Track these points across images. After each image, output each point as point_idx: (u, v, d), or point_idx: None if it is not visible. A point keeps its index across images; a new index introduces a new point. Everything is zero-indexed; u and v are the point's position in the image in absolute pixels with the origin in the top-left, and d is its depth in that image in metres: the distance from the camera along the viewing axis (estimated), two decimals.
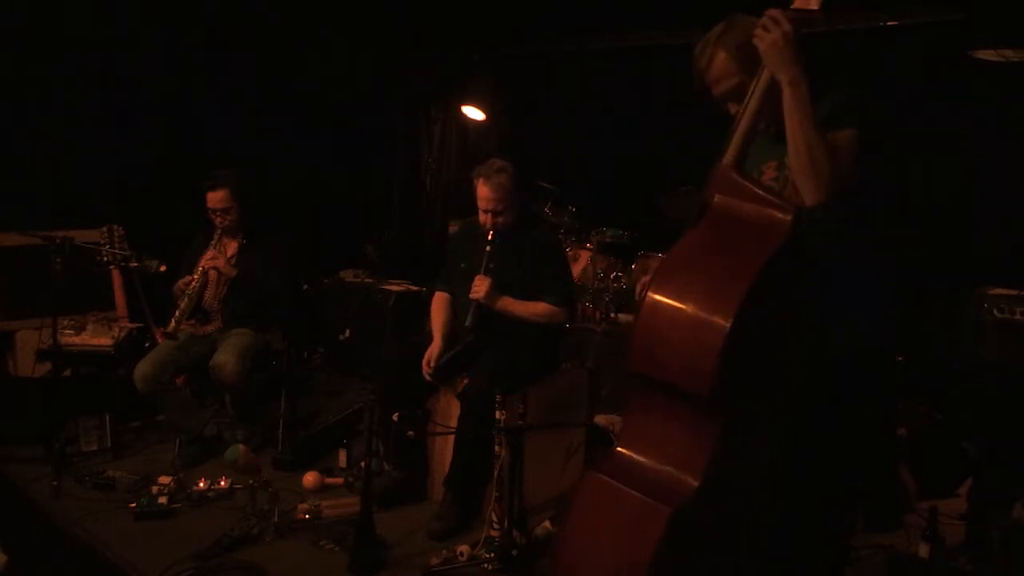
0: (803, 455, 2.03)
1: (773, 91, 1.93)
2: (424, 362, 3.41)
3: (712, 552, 1.95)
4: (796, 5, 1.90)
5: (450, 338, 3.51)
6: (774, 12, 1.89)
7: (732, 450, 1.86)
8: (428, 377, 3.41)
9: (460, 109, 6.10)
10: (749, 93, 1.97)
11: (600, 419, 3.66)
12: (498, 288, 3.41)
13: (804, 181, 1.89)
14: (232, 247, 4.08)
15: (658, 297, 1.84)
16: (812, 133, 1.87)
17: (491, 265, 3.41)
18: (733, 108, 2.10)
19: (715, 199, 1.93)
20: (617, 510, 1.86)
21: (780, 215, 1.84)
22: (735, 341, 1.72)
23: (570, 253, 5.11)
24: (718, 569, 1.99)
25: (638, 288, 2.33)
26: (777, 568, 2.14)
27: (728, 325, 1.72)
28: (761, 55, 1.90)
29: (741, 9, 2.08)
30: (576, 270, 5.01)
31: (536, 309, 3.46)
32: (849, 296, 2.03)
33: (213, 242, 3.98)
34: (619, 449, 1.96)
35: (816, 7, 1.87)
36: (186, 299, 3.82)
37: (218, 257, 3.92)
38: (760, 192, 1.91)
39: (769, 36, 1.87)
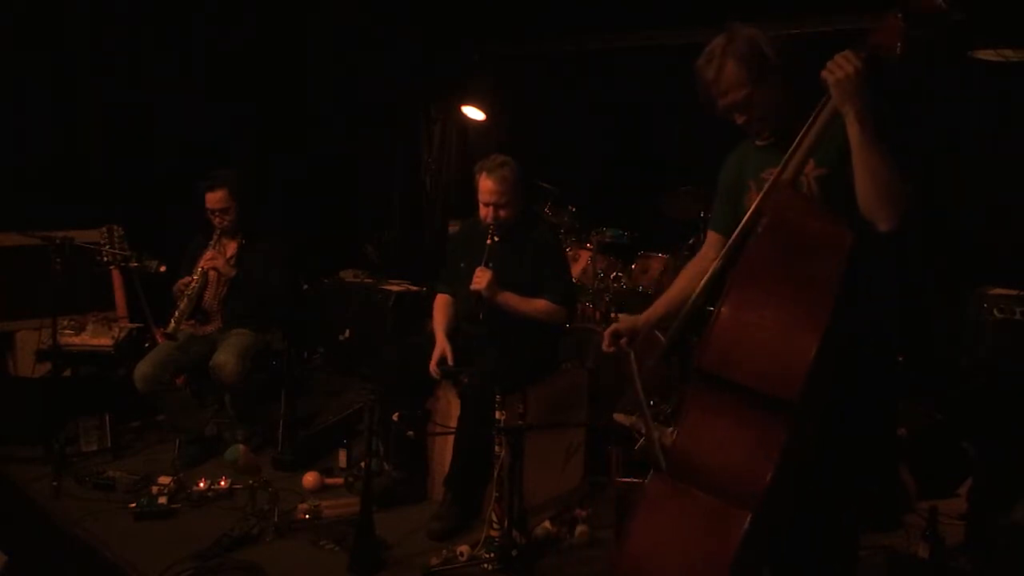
0: (824, 457, 2.06)
1: (785, 103, 1.97)
2: (433, 362, 3.39)
3: (764, 548, 1.99)
4: (876, 38, 1.88)
5: (453, 337, 3.51)
6: (848, 52, 1.89)
7: (793, 449, 1.90)
8: (437, 375, 3.41)
9: (460, 109, 6.10)
10: (813, 116, 1.97)
11: (621, 418, 3.65)
12: (498, 284, 3.40)
13: (880, 209, 1.91)
14: (231, 247, 4.08)
15: (739, 302, 1.89)
16: (885, 165, 1.88)
17: (491, 264, 3.41)
18: (740, 119, 2.11)
19: (775, 212, 1.97)
20: (692, 514, 1.89)
21: (845, 232, 1.90)
22: (820, 352, 1.79)
23: (570, 253, 5.11)
24: (758, 569, 2.05)
25: (606, 338, 2.38)
26: (797, 569, 2.17)
27: (820, 335, 1.79)
28: (830, 87, 1.90)
29: (741, 8, 2.08)
30: (576, 270, 5.00)
31: (536, 306, 3.45)
32: (855, 298, 2.04)
33: (212, 242, 3.98)
34: (682, 451, 1.97)
35: (899, 51, 1.86)
36: (185, 300, 3.82)
37: (217, 257, 3.92)
38: (821, 210, 2.00)
39: (840, 71, 1.88)
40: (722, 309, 1.89)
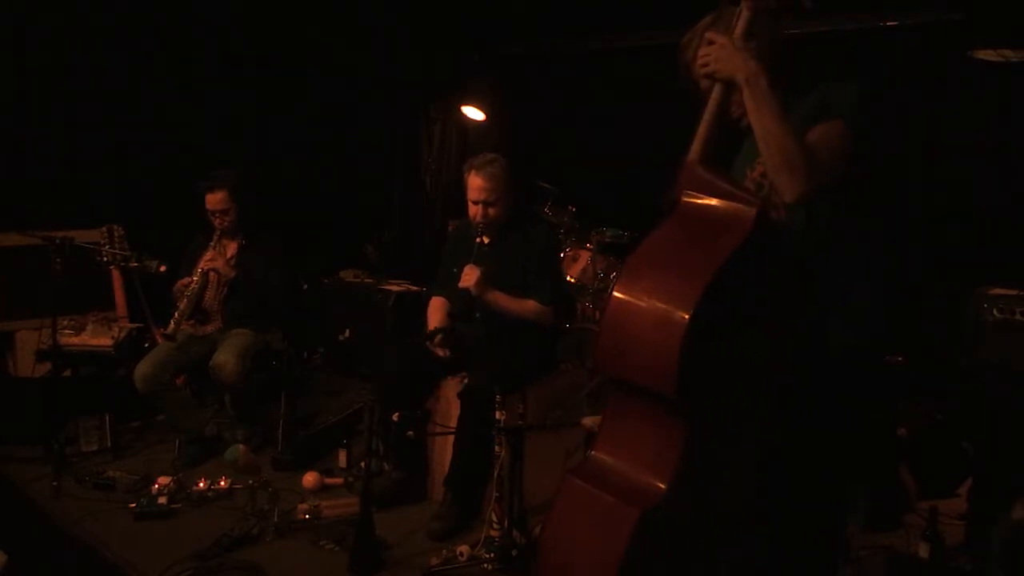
0: (794, 460, 1.99)
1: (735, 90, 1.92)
2: (435, 339, 3.41)
3: (699, 556, 1.94)
4: None
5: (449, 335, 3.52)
6: (708, 35, 1.92)
7: (710, 452, 1.85)
8: (439, 349, 3.41)
9: (460, 109, 6.10)
10: (709, 93, 1.95)
11: (587, 421, 3.65)
12: (487, 282, 3.40)
13: (779, 176, 1.84)
14: (232, 248, 4.08)
15: (623, 297, 1.82)
16: (778, 126, 1.82)
17: (479, 264, 3.41)
18: None
19: (682, 196, 1.92)
20: (591, 513, 1.87)
21: (745, 208, 1.81)
22: (696, 338, 1.69)
23: (570, 253, 5.11)
24: (712, 573, 1.99)
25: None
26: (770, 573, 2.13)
27: (686, 320, 1.69)
28: (714, 74, 1.90)
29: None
30: (576, 270, 5.00)
31: (525, 306, 3.46)
32: (837, 298, 2.00)
33: (212, 243, 3.98)
34: (594, 452, 1.96)
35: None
36: (185, 301, 3.82)
37: (217, 258, 3.92)
38: (727, 187, 1.88)
39: (712, 52, 1.88)
40: (607, 305, 1.84)
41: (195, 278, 3.87)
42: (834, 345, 1.98)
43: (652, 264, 1.86)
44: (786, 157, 1.81)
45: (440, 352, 3.41)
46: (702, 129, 1.96)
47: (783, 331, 1.91)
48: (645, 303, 1.79)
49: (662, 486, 1.80)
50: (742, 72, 1.85)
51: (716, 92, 1.94)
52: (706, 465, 1.84)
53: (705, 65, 1.91)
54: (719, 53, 1.88)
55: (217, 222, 3.99)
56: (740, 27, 1.91)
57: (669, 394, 1.74)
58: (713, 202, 1.86)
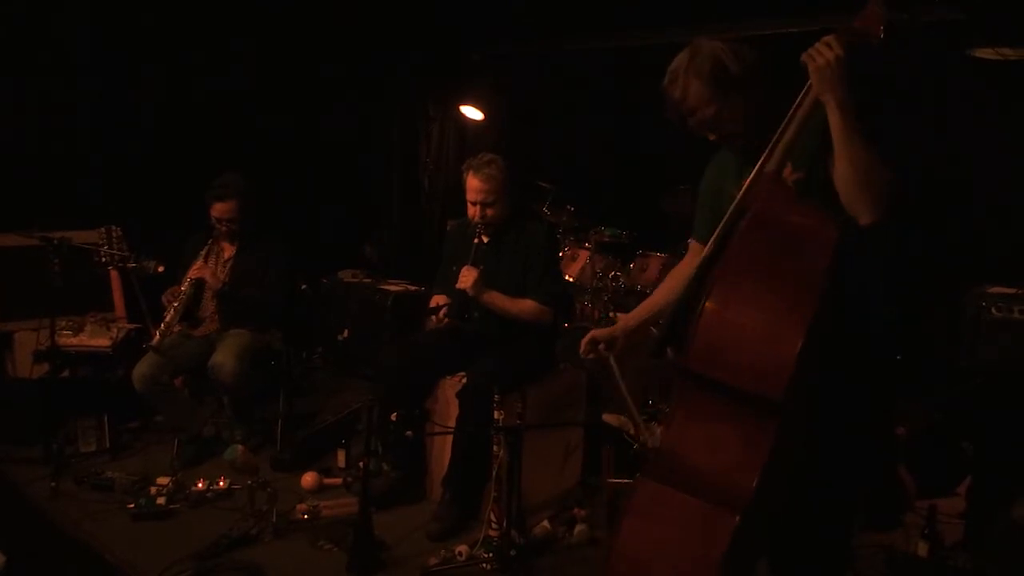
0: (819, 457, 2.04)
1: (757, 112, 1.95)
2: (437, 314, 3.44)
3: (753, 551, 1.97)
4: (858, 24, 1.88)
5: (449, 334, 3.51)
6: (830, 37, 1.88)
7: (781, 451, 1.88)
8: (441, 318, 3.46)
9: (458, 108, 6.10)
10: (795, 105, 1.94)
11: (610, 418, 3.63)
12: (485, 283, 3.41)
13: (862, 201, 1.88)
14: (230, 249, 4.07)
15: (724, 299, 1.85)
16: (865, 154, 1.86)
17: (478, 263, 3.41)
18: (712, 136, 2.09)
19: (762, 206, 1.93)
20: (679, 518, 1.86)
21: (830, 225, 1.87)
22: (806, 349, 1.76)
23: (569, 252, 5.12)
24: (750, 568, 2.02)
25: (583, 345, 2.37)
26: (790, 567, 2.16)
27: (803, 333, 1.76)
28: (810, 75, 1.89)
29: (738, 9, 2.07)
30: (574, 269, 5.01)
31: (523, 306, 3.46)
32: (860, 300, 2.04)
33: (203, 250, 3.98)
34: (668, 453, 1.95)
35: (879, 33, 1.86)
36: (172, 311, 3.80)
37: (204, 268, 3.91)
38: (804, 203, 1.95)
39: (821, 58, 1.86)
40: (706, 305, 1.85)
41: (183, 287, 3.87)
42: (855, 344, 2.03)
43: (750, 270, 1.88)
44: (870, 182, 1.87)
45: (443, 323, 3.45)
46: (784, 142, 1.96)
47: (820, 330, 1.95)
48: (752, 310, 1.83)
49: (752, 486, 1.82)
50: (837, 95, 1.86)
51: (803, 110, 1.93)
52: (775, 463, 1.87)
53: (812, 60, 1.88)
54: (829, 63, 1.86)
55: (224, 229, 3.99)
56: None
57: (777, 399, 1.77)
58: (795, 218, 1.91)
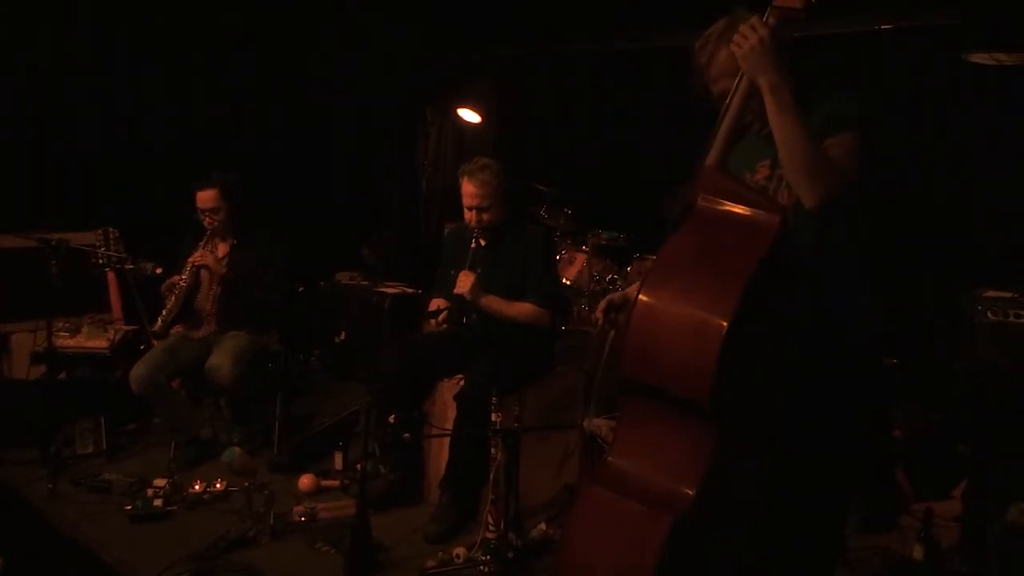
0: (796, 461, 2.00)
1: (757, 94, 1.91)
2: (437, 317, 3.45)
3: (708, 560, 1.94)
4: (778, 2, 1.88)
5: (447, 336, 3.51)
6: (753, 20, 1.88)
7: (728, 456, 1.84)
8: (440, 322, 3.48)
9: (456, 111, 6.10)
10: (729, 96, 1.95)
11: (587, 424, 3.63)
12: (483, 286, 3.41)
13: (800, 184, 1.86)
14: (223, 249, 4.07)
15: (651, 301, 1.80)
16: (802, 136, 1.84)
17: (475, 267, 3.42)
18: None
19: (700, 200, 1.91)
20: (618, 522, 1.84)
21: (768, 216, 1.81)
22: (731, 345, 1.69)
23: (566, 255, 5.12)
24: (722, 573, 1.99)
25: (599, 315, 2.31)
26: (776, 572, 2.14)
27: (725, 328, 1.69)
28: (739, 60, 1.89)
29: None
30: (572, 272, 5.01)
31: (520, 309, 3.46)
32: (842, 302, 2.02)
33: (202, 243, 3.97)
34: (612, 459, 1.93)
35: (799, 5, 1.85)
36: (173, 298, 3.81)
37: (206, 255, 3.91)
38: (747, 193, 1.89)
39: (746, 43, 1.86)
40: (635, 310, 1.81)
41: (184, 275, 3.86)
42: (839, 348, 2.00)
43: (679, 268, 1.84)
44: (809, 164, 1.84)
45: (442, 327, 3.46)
46: (722, 132, 1.96)
47: (785, 330, 1.92)
48: (677, 308, 1.77)
49: (690, 492, 1.79)
50: (769, 77, 1.85)
51: (738, 97, 1.93)
52: (723, 469, 1.83)
53: (739, 47, 1.88)
54: (754, 47, 1.85)
55: (207, 221, 3.98)
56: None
57: (703, 401, 1.73)
58: (735, 208, 1.85)
